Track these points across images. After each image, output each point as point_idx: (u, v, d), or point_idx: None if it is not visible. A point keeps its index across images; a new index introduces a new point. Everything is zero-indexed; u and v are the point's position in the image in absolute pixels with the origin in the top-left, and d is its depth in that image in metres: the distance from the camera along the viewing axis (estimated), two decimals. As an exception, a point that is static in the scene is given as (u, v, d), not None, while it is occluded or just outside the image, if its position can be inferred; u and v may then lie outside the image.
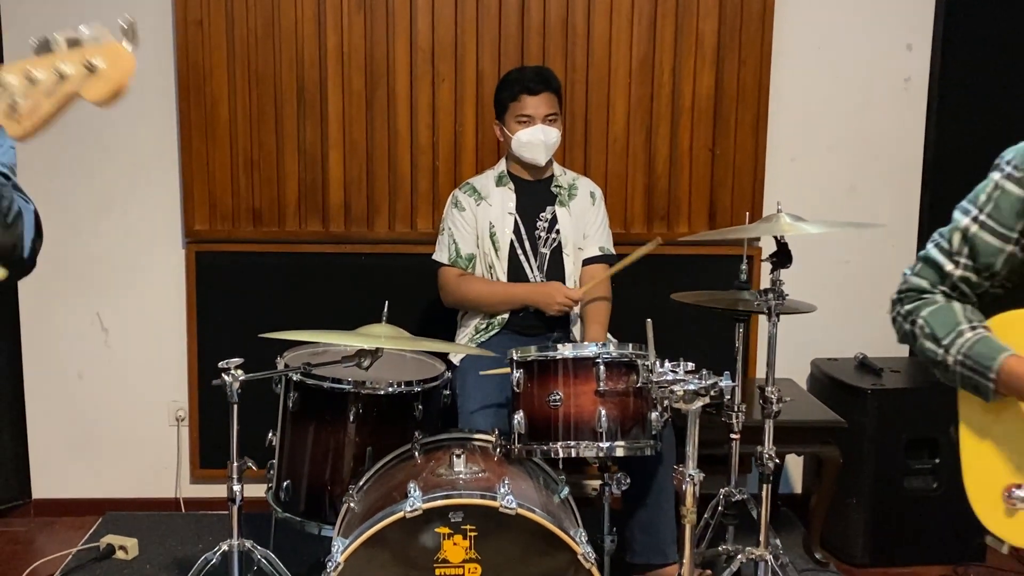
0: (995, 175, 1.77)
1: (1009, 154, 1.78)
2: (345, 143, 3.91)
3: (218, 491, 4.02)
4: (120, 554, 3.57)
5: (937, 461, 3.66)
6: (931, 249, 1.86)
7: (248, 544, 2.70)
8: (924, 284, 1.84)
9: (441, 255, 3.46)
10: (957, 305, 1.79)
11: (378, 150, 3.92)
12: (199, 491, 4.09)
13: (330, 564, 2.23)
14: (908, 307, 1.84)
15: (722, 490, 3.07)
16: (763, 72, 3.95)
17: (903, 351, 4.16)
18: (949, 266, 1.80)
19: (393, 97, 3.89)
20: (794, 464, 4.17)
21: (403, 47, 3.87)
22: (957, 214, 1.82)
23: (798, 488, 4.19)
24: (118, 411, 4.05)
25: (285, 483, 2.92)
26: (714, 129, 3.97)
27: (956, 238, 1.80)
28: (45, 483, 4.07)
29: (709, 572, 3.12)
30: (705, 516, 3.15)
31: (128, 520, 3.86)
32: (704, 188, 4.01)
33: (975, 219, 1.77)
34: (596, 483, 3.20)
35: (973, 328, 1.75)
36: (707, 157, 3.99)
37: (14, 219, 1.65)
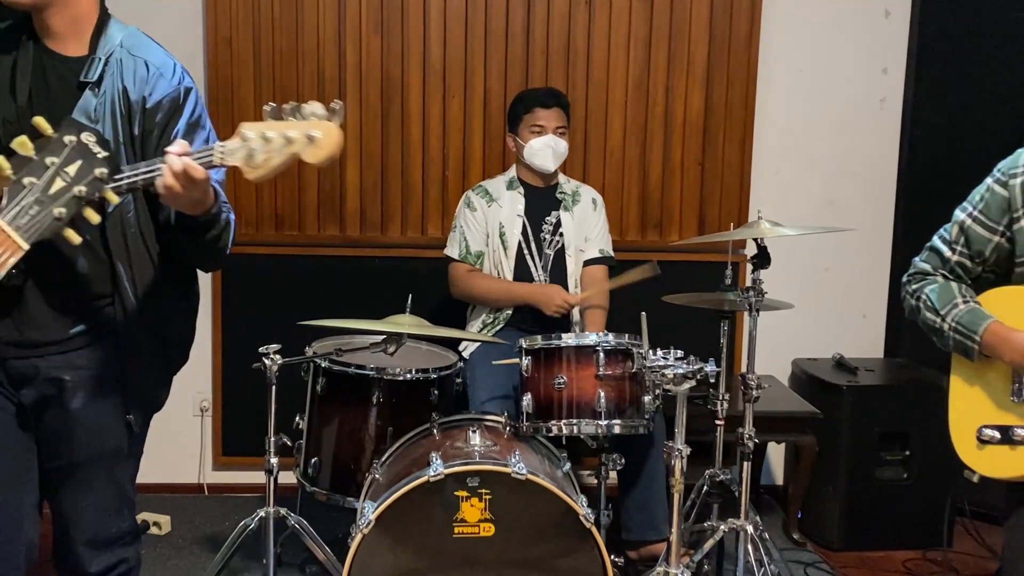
0: (988, 180, 2.10)
1: (1001, 164, 2.11)
2: (362, 154, 4.20)
3: (239, 477, 4.32)
4: (154, 529, 3.85)
5: (908, 453, 3.91)
6: (935, 240, 2.19)
7: (283, 511, 2.99)
8: (928, 268, 2.17)
9: (452, 250, 3.75)
10: (954, 284, 2.12)
11: (392, 161, 4.21)
12: (221, 477, 4.36)
13: (362, 522, 2.52)
14: (915, 286, 2.17)
15: (707, 472, 3.36)
16: (749, 92, 4.25)
17: (877, 352, 4.47)
18: (948, 252, 2.13)
19: (407, 112, 4.19)
20: (776, 457, 4.46)
21: (416, 66, 4.16)
22: (957, 211, 2.15)
23: (780, 480, 4.48)
24: (146, 402, 4.31)
25: (313, 460, 3.20)
26: (703, 145, 4.27)
27: (955, 230, 2.13)
28: (77, 469, 4.33)
29: (692, 552, 3.38)
30: (692, 496, 3.44)
31: (158, 501, 4.12)
32: (694, 199, 4.30)
33: (970, 214, 2.10)
34: (593, 472, 3.48)
35: (966, 301, 2.07)
36: (697, 170, 4.29)
37: (222, 230, 2.06)
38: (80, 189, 1.65)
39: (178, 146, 1.81)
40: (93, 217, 1.70)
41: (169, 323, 2.23)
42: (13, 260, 1.64)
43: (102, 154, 1.68)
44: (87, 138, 1.68)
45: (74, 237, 1.68)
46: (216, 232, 2.05)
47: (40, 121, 1.68)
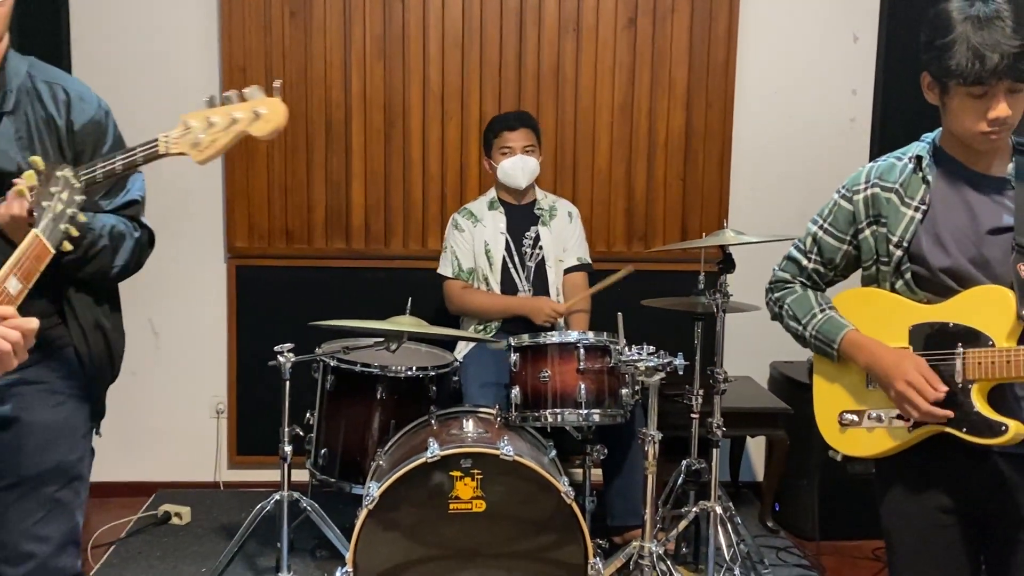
0: (835, 195, 2.35)
1: (846, 181, 2.35)
2: (366, 172, 4.50)
3: (253, 475, 4.60)
4: (176, 520, 4.15)
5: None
6: (792, 250, 2.45)
7: (296, 495, 3.29)
8: (787, 276, 2.43)
9: (445, 269, 4.06)
10: (811, 293, 2.37)
11: (394, 179, 4.51)
12: (236, 475, 4.64)
13: (367, 499, 2.82)
14: (777, 295, 2.43)
15: (684, 461, 3.64)
16: (726, 113, 4.55)
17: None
18: (804, 261, 2.39)
19: (408, 133, 4.49)
20: (756, 455, 4.73)
21: (417, 91, 4.47)
22: (809, 223, 2.41)
23: (759, 477, 4.74)
24: (166, 405, 4.60)
25: (322, 451, 3.51)
26: (684, 162, 4.57)
27: (808, 241, 2.39)
28: (100, 468, 4.51)
29: (666, 533, 3.65)
30: (670, 485, 3.72)
31: (178, 495, 4.43)
32: (676, 213, 4.60)
33: (821, 227, 2.36)
34: (578, 471, 3.76)
35: (823, 311, 2.32)
36: (679, 186, 4.59)
37: (101, 250, 2.18)
38: (72, 210, 1.94)
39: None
40: (74, 231, 1.96)
41: (112, 334, 2.32)
42: (47, 261, 1.89)
43: (78, 184, 1.98)
44: (68, 172, 1.96)
45: (68, 246, 1.95)
46: (84, 262, 2.14)
47: (36, 160, 1.96)
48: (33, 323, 1.78)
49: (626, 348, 3.03)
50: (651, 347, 2.98)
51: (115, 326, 2.36)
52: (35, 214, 1.91)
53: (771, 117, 4.64)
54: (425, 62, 4.46)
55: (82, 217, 1.97)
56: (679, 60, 4.52)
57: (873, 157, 4.68)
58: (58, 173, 1.96)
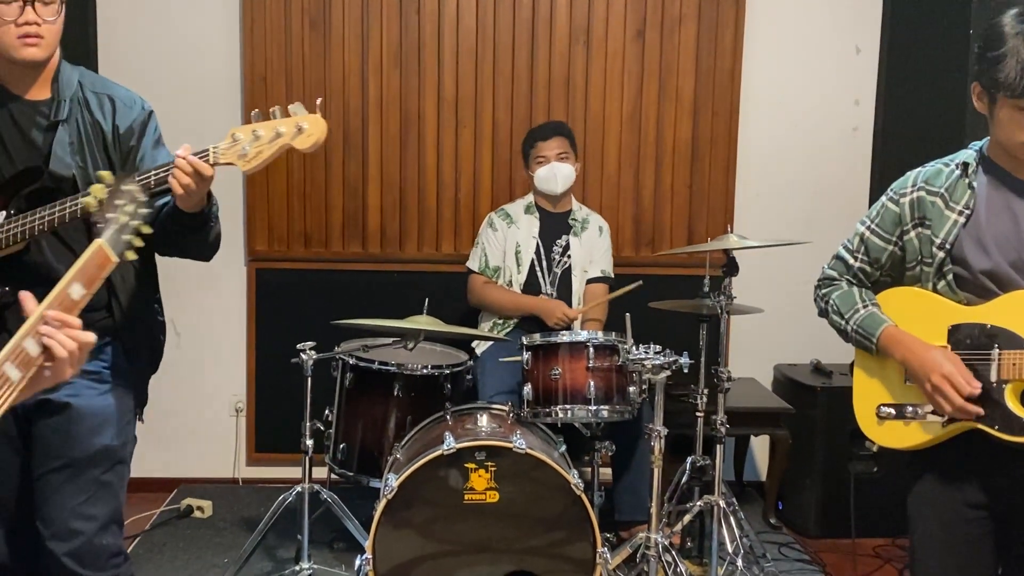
0: (883, 198, 2.47)
1: (894, 184, 2.48)
2: (382, 178, 4.64)
3: (271, 472, 4.73)
4: (198, 513, 4.29)
5: (877, 449, 4.29)
6: (840, 249, 2.57)
7: (316, 487, 3.43)
8: (834, 274, 2.55)
9: (473, 263, 4.21)
10: (856, 290, 2.50)
11: (409, 184, 4.65)
12: (254, 472, 4.77)
13: (386, 490, 2.95)
14: (824, 291, 2.55)
15: (689, 458, 3.77)
16: (732, 122, 4.68)
17: (850, 357, 4.85)
18: (851, 260, 2.51)
19: (422, 140, 4.63)
20: (760, 455, 4.85)
21: (432, 99, 4.61)
22: (857, 224, 2.53)
23: (763, 477, 4.85)
24: (186, 403, 4.71)
25: (341, 446, 3.65)
26: (691, 170, 4.70)
27: (856, 240, 2.51)
28: (123, 464, 4.73)
29: (671, 528, 3.77)
30: (674, 480, 3.84)
31: (200, 490, 4.57)
32: (683, 219, 4.73)
33: (868, 227, 2.48)
34: (587, 469, 3.89)
35: (865, 306, 2.45)
36: (685, 193, 4.71)
37: (216, 222, 2.39)
38: (136, 223, 2.03)
39: (183, 149, 2.15)
40: (138, 242, 2.03)
41: (155, 329, 2.52)
42: (109, 270, 1.95)
43: (143, 198, 2.06)
44: (133, 186, 2.05)
45: (132, 255, 2.02)
46: (213, 223, 2.37)
47: (104, 174, 2.07)
48: (91, 337, 1.82)
49: (634, 347, 3.16)
50: (657, 346, 3.10)
51: (157, 320, 2.53)
52: (99, 225, 2.00)
53: (775, 126, 4.76)
54: (440, 71, 4.59)
55: (147, 230, 2.03)
56: (686, 70, 4.65)
57: (875, 165, 4.85)
58: (124, 187, 2.07)
